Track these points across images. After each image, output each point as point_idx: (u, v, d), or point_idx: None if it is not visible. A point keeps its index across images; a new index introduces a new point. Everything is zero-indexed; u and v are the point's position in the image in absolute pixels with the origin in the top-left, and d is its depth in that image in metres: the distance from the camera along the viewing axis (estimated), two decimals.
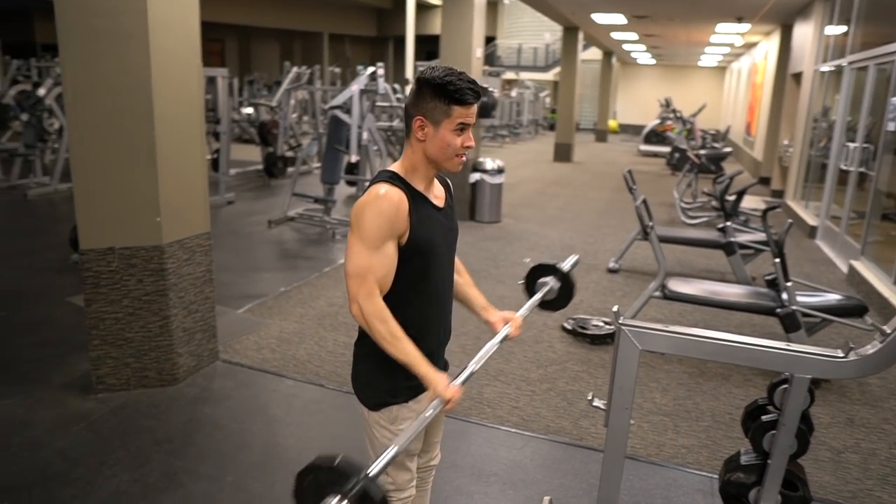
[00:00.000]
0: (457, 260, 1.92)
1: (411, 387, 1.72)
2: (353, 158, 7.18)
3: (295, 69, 9.38)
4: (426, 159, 1.63)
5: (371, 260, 1.56)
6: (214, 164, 9.41)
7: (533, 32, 26.15)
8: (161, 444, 2.89)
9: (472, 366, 1.69)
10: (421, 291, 1.68)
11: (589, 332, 4.29)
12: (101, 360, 3.27)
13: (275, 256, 6.26)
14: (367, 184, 1.66)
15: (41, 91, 8.33)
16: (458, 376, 1.65)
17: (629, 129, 25.88)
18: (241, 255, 6.17)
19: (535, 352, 4.11)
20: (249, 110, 13.75)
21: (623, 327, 2.17)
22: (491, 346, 1.80)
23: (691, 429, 3.21)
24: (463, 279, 1.96)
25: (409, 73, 16.87)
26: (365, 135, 7.06)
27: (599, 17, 12.23)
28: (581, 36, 14.34)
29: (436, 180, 1.74)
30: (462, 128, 1.60)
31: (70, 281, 4.98)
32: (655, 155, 16.99)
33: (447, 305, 1.80)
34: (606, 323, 4.45)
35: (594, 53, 21.81)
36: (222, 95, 8.29)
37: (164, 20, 3.04)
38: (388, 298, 1.64)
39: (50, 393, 3.30)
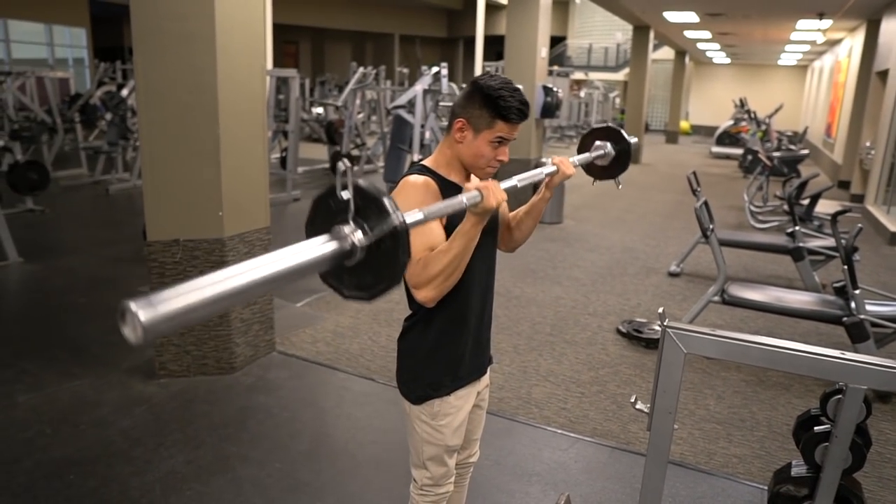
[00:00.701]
0: (512, 213, 1.88)
1: (454, 380, 1.74)
2: (416, 157, 7.27)
3: (361, 69, 9.56)
4: (458, 160, 1.65)
5: (419, 244, 1.50)
6: (283, 162, 9.72)
7: (604, 32, 25.71)
8: (215, 429, 3.01)
9: (515, 180, 1.54)
10: (462, 283, 1.64)
11: (644, 335, 4.20)
12: (164, 347, 3.44)
13: None
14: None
15: (124, 91, 8.81)
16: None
17: (702, 131, 25.06)
18: None
19: (588, 354, 4.06)
20: (319, 110, 14.11)
21: (668, 330, 2.12)
22: (537, 172, 1.68)
23: (745, 438, 3.10)
24: (519, 215, 1.87)
25: (478, 74, 16.91)
26: (427, 134, 7.13)
27: (671, 16, 11.91)
28: (652, 35, 14.00)
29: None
30: (500, 142, 1.59)
31: (143, 271, 5.22)
32: (728, 157, 16.38)
33: (488, 295, 1.79)
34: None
35: (666, 53, 21.24)
36: (293, 95, 8.55)
37: (231, 23, 3.17)
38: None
39: (117, 376, 3.50)
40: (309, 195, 9.18)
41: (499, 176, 1.65)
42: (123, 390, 3.36)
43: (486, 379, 1.91)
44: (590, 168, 2.11)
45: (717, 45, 17.69)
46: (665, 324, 2.13)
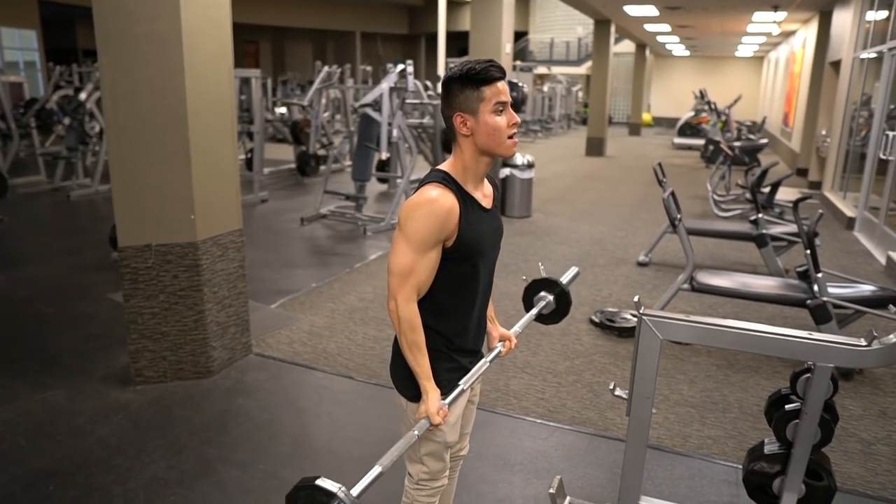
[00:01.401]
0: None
1: (450, 380, 1.76)
2: (384, 156, 7.28)
3: (326, 68, 9.50)
4: (478, 153, 1.63)
5: (415, 263, 1.58)
6: (248, 164, 9.62)
7: (565, 27, 25.96)
8: (196, 434, 2.99)
9: (462, 384, 1.73)
10: (463, 294, 1.71)
11: (616, 324, 4.29)
12: (140, 353, 3.40)
13: (307, 253, 6.38)
14: (419, 182, 1.68)
15: (82, 95, 8.61)
16: (448, 395, 1.71)
17: (664, 122, 25.52)
18: (275, 251, 6.31)
19: (563, 344, 4.13)
20: (283, 110, 13.97)
21: (644, 317, 2.18)
22: (482, 364, 1.83)
23: (718, 420, 3.20)
24: None
25: (441, 70, 16.91)
26: (395, 132, 7.13)
27: (631, 10, 12.10)
28: (613, 29, 14.20)
29: (485, 179, 1.76)
30: (501, 107, 1.59)
31: (110, 278, 5.16)
32: (690, 148, 16.73)
33: (486, 304, 1.84)
34: (635, 316, 4.43)
35: (627, 46, 21.56)
36: (256, 96, 8.46)
37: (197, 25, 3.14)
38: (431, 301, 1.68)
39: (92, 385, 3.45)
40: (276, 196, 9.12)
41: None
42: (99, 399, 3.31)
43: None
44: (539, 319, 2.26)
45: (676, 38, 18.02)
46: (641, 311, 2.20)
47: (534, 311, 2.20)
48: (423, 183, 1.64)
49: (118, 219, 3.24)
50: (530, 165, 7.81)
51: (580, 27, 24.63)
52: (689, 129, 16.93)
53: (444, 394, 1.75)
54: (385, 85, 6.92)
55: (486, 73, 1.57)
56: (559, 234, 7.09)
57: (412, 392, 1.77)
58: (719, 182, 9.00)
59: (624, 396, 2.31)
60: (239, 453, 2.85)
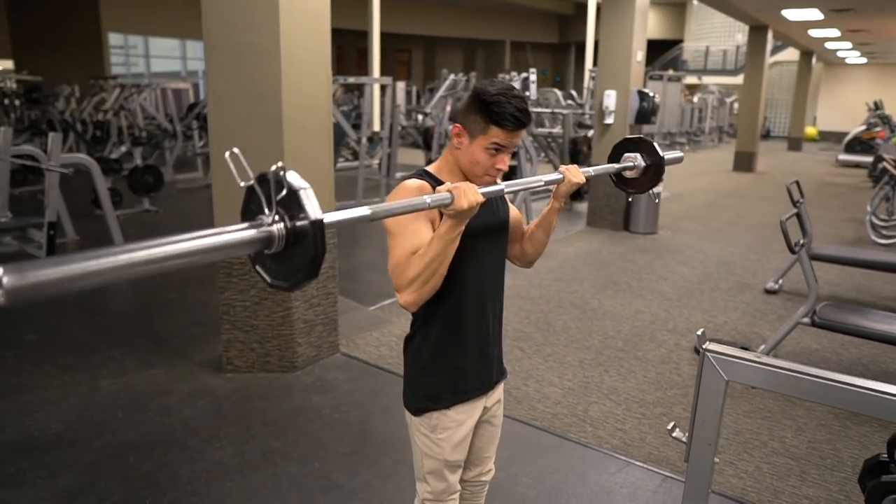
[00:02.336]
0: (527, 226, 1.82)
1: (453, 393, 1.69)
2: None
3: (452, 76, 9.62)
4: (457, 167, 1.61)
5: (404, 248, 1.50)
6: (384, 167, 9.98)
7: (723, 34, 24.40)
8: (267, 425, 3.11)
9: (502, 185, 1.50)
10: (455, 289, 1.61)
11: None
12: (231, 343, 3.60)
13: None
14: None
15: None
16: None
17: (831, 137, 23.14)
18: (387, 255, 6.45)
19: (658, 372, 3.83)
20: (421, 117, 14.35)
21: (708, 354, 1.95)
22: (534, 179, 1.61)
23: (822, 478, 2.79)
24: (532, 228, 1.81)
25: (587, 79, 16.57)
26: None
27: (791, 14, 11.09)
28: (770, 35, 13.10)
29: None
30: (497, 149, 1.53)
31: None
32: (857, 165, 15.00)
33: (494, 306, 1.72)
34: (745, 348, 4.01)
35: (792, 54, 19.81)
36: (388, 103, 8.76)
37: (295, 34, 3.27)
38: (432, 311, 1.61)
39: (189, 368, 3.71)
40: None
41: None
42: (192, 382, 3.55)
43: (496, 394, 1.84)
44: (619, 180, 1.99)
45: (848, 44, 16.28)
46: (704, 346, 1.97)
47: (616, 165, 1.91)
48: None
49: (216, 216, 3.47)
50: None
51: (740, 34, 23.01)
52: (859, 144, 15.20)
53: (444, 405, 1.67)
54: None
55: (502, 119, 1.50)
56: (683, 254, 6.62)
57: (414, 405, 1.71)
58: (881, 204, 7.97)
59: (683, 440, 2.07)
60: (300, 449, 2.92)
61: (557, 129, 9.59)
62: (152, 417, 3.18)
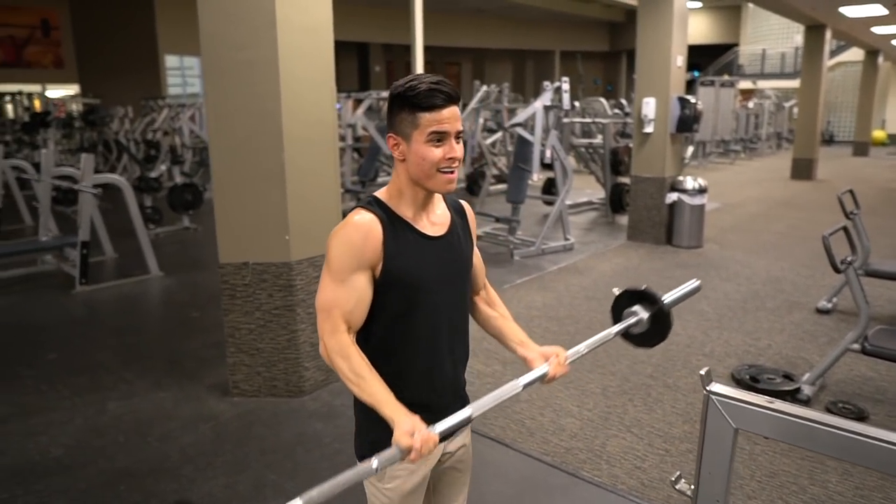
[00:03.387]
0: (490, 291, 1.70)
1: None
2: (535, 177, 7.00)
3: (484, 87, 9.45)
4: (410, 182, 1.43)
5: (337, 293, 1.40)
6: None
7: (781, 36, 23.45)
8: (265, 454, 3.00)
9: (466, 412, 1.35)
10: (406, 334, 1.47)
11: (760, 386, 3.58)
12: (237, 366, 3.52)
13: None
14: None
15: None
16: (437, 424, 1.39)
17: None
18: None
19: (688, 403, 3.54)
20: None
21: (712, 397, 1.73)
22: (509, 388, 1.42)
23: None
24: (496, 311, 1.69)
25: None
26: (548, 153, 6.83)
27: (850, 11, 10.48)
28: (829, 35, 12.44)
29: (441, 204, 1.53)
30: (438, 137, 1.37)
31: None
32: None
33: (453, 348, 1.55)
34: (788, 377, 3.68)
35: (855, 54, 18.83)
36: None
37: (295, 50, 3.19)
38: (370, 343, 1.47)
39: (197, 391, 3.64)
40: None
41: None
42: (198, 405, 3.48)
43: (460, 439, 1.65)
44: (628, 337, 1.79)
45: None
46: (709, 388, 1.74)
47: (615, 328, 1.74)
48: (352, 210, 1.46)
49: (219, 236, 3.39)
50: (702, 190, 7.01)
51: (798, 35, 22.05)
52: None
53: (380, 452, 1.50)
54: (538, 103, 6.66)
55: (424, 98, 1.35)
56: (729, 269, 6.24)
57: (359, 452, 1.55)
58: None
59: (688, 494, 1.83)
60: (294, 481, 2.79)
61: (598, 140, 9.30)
62: (151, 443, 3.11)
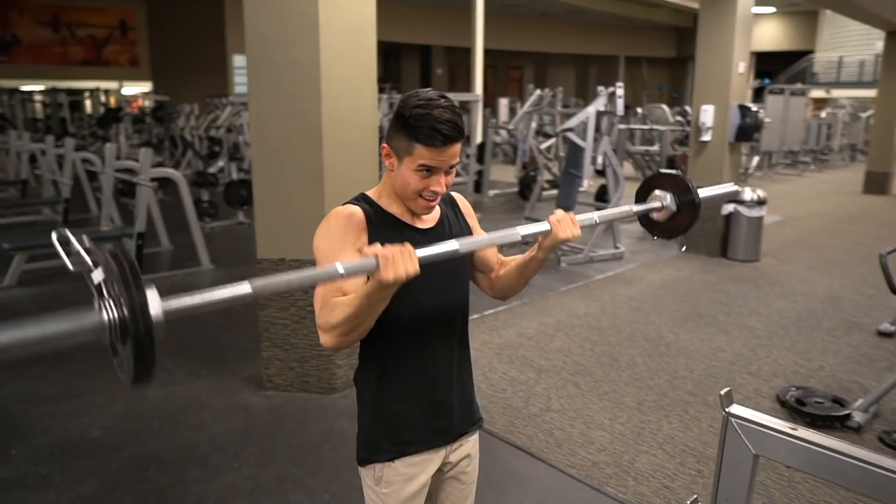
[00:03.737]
0: (506, 259, 1.60)
1: (395, 444, 1.50)
2: (585, 184, 6.88)
3: (538, 92, 9.36)
4: (395, 192, 1.44)
5: (328, 287, 1.35)
6: (476, 186, 9.89)
7: (860, 42, 22.35)
8: (290, 449, 3.04)
9: (453, 244, 1.27)
10: (393, 335, 1.44)
11: (806, 409, 3.40)
12: (270, 360, 3.58)
13: None
14: None
15: None
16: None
17: None
18: None
19: None
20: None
21: (731, 419, 1.65)
22: (507, 233, 1.36)
23: None
24: (509, 264, 1.58)
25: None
26: (600, 159, 6.70)
27: None
28: None
29: None
30: (428, 170, 1.35)
31: None
32: None
33: (450, 350, 1.51)
34: (838, 401, 3.48)
35: None
36: (473, 119, 8.66)
37: (336, 51, 3.22)
38: (371, 354, 1.47)
39: (233, 383, 3.72)
40: (491, 219, 9.14)
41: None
42: (232, 397, 3.55)
43: (465, 448, 1.62)
44: (646, 222, 1.73)
45: None
46: (728, 410, 1.66)
47: (639, 206, 1.66)
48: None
49: (258, 232, 3.46)
50: (761, 202, 6.74)
51: (880, 42, 20.98)
52: None
53: (386, 458, 1.48)
54: (591, 109, 6.54)
55: (419, 133, 1.31)
56: (785, 285, 5.97)
57: (358, 453, 1.53)
58: None
59: None
60: (315, 478, 2.81)
61: (655, 147, 9.07)
62: (184, 431, 3.19)
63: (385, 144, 1.41)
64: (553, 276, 6.26)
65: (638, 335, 4.63)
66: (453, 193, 1.59)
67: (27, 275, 5.67)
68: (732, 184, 1.87)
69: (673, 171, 1.71)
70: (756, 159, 13.64)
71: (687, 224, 1.70)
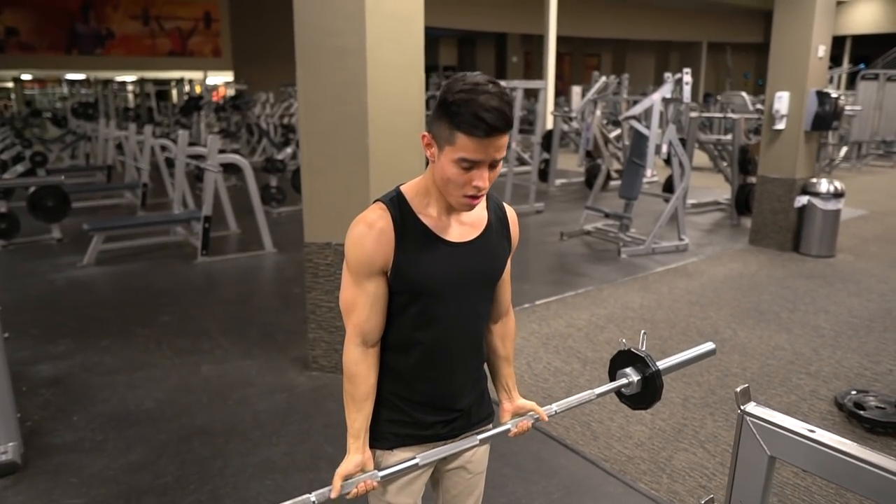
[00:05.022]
0: (509, 322, 1.63)
1: (397, 435, 1.51)
2: (649, 173, 6.68)
3: (603, 78, 9.10)
4: (437, 186, 1.35)
5: (355, 295, 1.38)
6: (542, 174, 9.78)
7: None
8: (328, 429, 3.12)
9: (419, 459, 1.40)
10: (418, 338, 1.44)
11: (864, 413, 3.20)
12: (316, 342, 3.68)
13: (550, 268, 6.19)
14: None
15: None
16: (388, 469, 1.41)
17: None
18: (518, 264, 6.23)
19: None
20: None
21: (746, 418, 1.59)
22: (465, 442, 1.47)
23: None
24: (503, 351, 1.62)
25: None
26: (664, 148, 6.48)
27: None
28: None
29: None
30: (469, 165, 1.26)
31: None
32: None
33: (463, 362, 1.50)
34: None
35: None
36: (539, 107, 8.54)
37: (383, 37, 3.25)
38: (386, 341, 1.46)
39: (281, 362, 3.85)
40: (555, 208, 9.01)
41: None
42: (279, 376, 3.68)
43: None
44: (621, 397, 1.73)
45: None
46: (744, 408, 1.61)
47: (602, 388, 1.68)
48: (376, 200, 1.42)
49: (305, 216, 3.56)
50: (839, 195, 6.35)
51: None
52: None
53: (386, 446, 1.50)
54: (656, 96, 6.32)
55: (468, 124, 1.22)
56: (860, 283, 5.61)
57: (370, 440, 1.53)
58: None
59: None
60: None
61: (728, 137, 8.69)
62: (230, 406, 3.34)
63: (425, 133, 1.33)
64: (611, 266, 6.13)
65: (692, 330, 4.47)
66: (506, 206, 1.52)
67: (104, 254, 6.04)
68: (710, 344, 1.87)
69: (630, 348, 1.70)
70: (844, 149, 12.83)
71: (655, 394, 1.70)
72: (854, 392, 3.46)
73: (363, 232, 1.35)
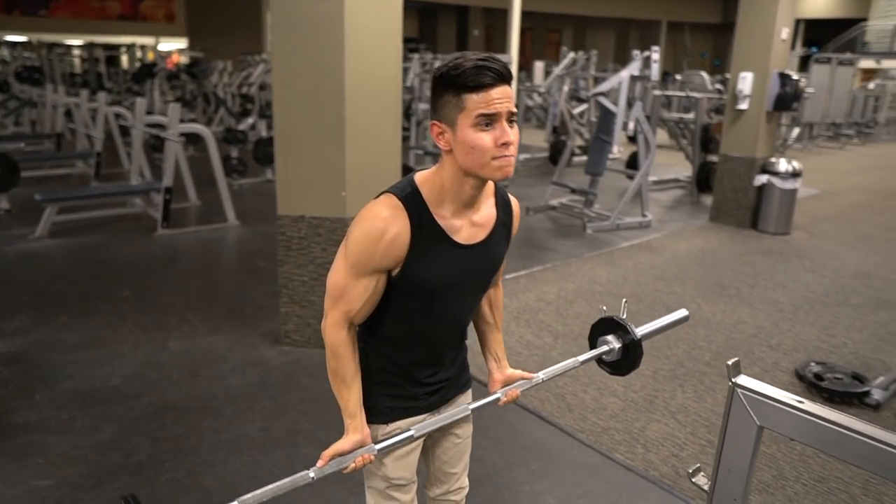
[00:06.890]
0: (499, 291, 1.65)
1: (393, 409, 1.50)
2: (616, 149, 6.74)
3: (571, 54, 9.11)
4: (461, 173, 1.29)
5: (349, 286, 1.34)
6: None
7: None
8: (303, 403, 3.09)
9: (414, 431, 1.44)
10: (412, 331, 1.45)
11: (824, 384, 3.34)
12: (288, 316, 3.62)
13: (516, 242, 6.07)
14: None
15: None
16: (383, 440, 1.42)
17: None
18: None
19: None
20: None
21: (737, 389, 1.64)
22: (459, 411, 1.51)
23: None
24: (492, 318, 1.65)
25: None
26: (631, 125, 6.55)
27: None
28: None
29: (490, 199, 1.41)
30: (487, 121, 1.23)
31: None
32: None
33: (451, 344, 1.54)
34: (857, 378, 3.41)
35: None
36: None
37: (363, 4, 3.16)
38: (375, 334, 1.46)
39: (251, 338, 3.78)
40: (520, 183, 9.01)
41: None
42: (249, 351, 3.62)
43: (459, 406, 1.62)
44: (602, 363, 1.76)
45: None
46: (734, 380, 1.64)
47: (585, 356, 1.74)
48: (385, 191, 1.35)
49: (278, 188, 3.47)
50: (795, 174, 6.53)
51: None
52: None
53: (382, 420, 1.49)
54: (625, 73, 6.36)
55: (472, 77, 1.21)
56: (814, 260, 5.82)
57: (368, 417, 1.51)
58: None
59: (704, 489, 1.74)
60: (326, 432, 2.85)
61: (691, 115, 8.84)
62: (201, 382, 3.27)
63: (433, 122, 1.29)
64: (577, 242, 6.20)
65: (659, 304, 4.57)
66: (511, 199, 1.49)
67: (57, 226, 5.80)
68: (684, 310, 1.91)
69: (612, 316, 1.74)
70: (796, 130, 13.21)
71: (635, 360, 1.74)
72: (813, 363, 3.60)
73: (377, 233, 1.29)
